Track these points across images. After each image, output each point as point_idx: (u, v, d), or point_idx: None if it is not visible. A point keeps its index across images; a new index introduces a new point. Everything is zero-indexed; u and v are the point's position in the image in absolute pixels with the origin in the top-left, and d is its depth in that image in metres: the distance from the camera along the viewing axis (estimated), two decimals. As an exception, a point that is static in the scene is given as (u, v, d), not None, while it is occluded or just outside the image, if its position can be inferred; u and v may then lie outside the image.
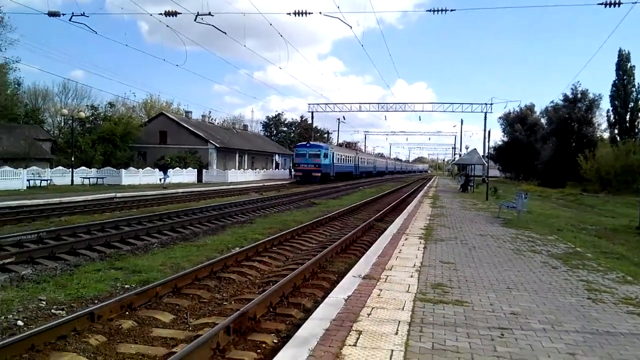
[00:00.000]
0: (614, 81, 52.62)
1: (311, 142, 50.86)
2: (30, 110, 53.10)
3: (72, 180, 32.19)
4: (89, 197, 22.42)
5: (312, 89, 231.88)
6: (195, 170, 43.75)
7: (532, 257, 9.02)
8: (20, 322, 5.75)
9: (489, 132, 41.72)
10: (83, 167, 36.02)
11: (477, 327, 4.93)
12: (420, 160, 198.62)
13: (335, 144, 66.67)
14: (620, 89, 51.70)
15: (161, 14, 20.29)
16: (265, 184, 41.37)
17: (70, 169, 32.98)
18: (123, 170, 36.64)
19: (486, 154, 40.80)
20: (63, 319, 5.43)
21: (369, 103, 60.86)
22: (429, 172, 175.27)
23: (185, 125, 51.26)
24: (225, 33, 21.23)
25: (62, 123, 55.43)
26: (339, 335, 4.56)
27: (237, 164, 55.09)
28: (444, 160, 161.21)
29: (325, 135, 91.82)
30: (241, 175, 48.22)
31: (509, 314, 5.43)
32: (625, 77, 51.66)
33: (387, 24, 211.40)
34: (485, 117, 50.68)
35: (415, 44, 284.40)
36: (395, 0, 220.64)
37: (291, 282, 7.36)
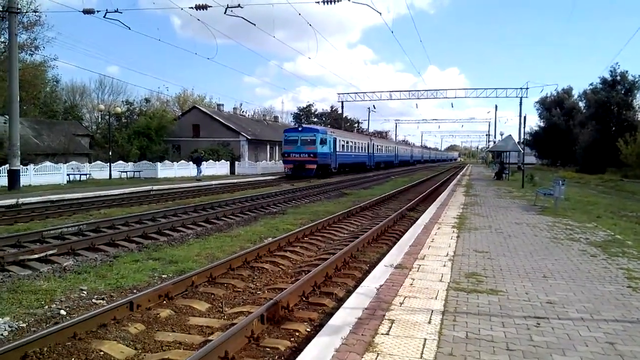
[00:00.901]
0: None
1: (304, 125, 41.48)
2: (68, 107, 54.97)
3: (110, 174, 33.15)
4: (127, 190, 23.03)
5: (342, 78, 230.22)
6: (228, 162, 44.31)
7: (569, 245, 8.79)
8: (63, 312, 5.97)
9: (525, 117, 40.74)
10: (120, 161, 37.06)
11: (513, 316, 4.86)
12: (452, 148, 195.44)
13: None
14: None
15: (192, 7, 20.58)
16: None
17: (108, 164, 33.97)
18: (158, 163, 37.49)
19: (522, 140, 39.87)
20: (103, 308, 5.63)
21: (400, 91, 58.39)
22: (459, 160, 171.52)
23: (218, 118, 51.89)
24: (255, 24, 21.36)
25: (99, 118, 57.19)
26: (371, 324, 4.57)
27: (268, 156, 55.51)
28: (477, 148, 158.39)
29: (356, 125, 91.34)
30: (272, 167, 48.58)
31: (546, 302, 5.32)
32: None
33: (417, 9, 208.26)
34: (521, 102, 49.77)
35: (447, 28, 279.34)
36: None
37: (323, 271, 7.40)
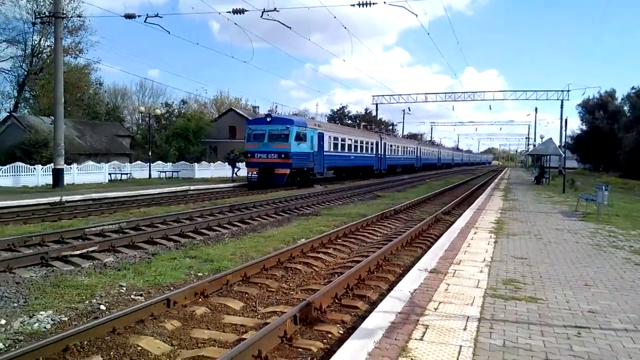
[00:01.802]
0: None
1: (274, 115, 29.81)
2: (110, 109, 56.81)
3: (150, 174, 34.04)
4: (165, 190, 23.58)
5: (377, 80, 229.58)
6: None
7: (613, 253, 8.46)
8: (102, 307, 6.15)
9: (566, 120, 39.18)
10: (159, 162, 38.07)
11: (552, 325, 4.71)
12: (490, 151, 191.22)
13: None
14: None
15: (229, 12, 20.94)
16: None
17: (148, 164, 34.92)
18: (196, 164, 38.39)
19: (563, 144, 38.66)
20: (142, 304, 5.76)
21: (436, 93, 57.58)
22: (493, 163, 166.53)
23: (253, 120, 52.38)
24: (290, 28, 21.58)
25: (140, 120, 58.82)
26: (405, 328, 4.52)
27: (302, 157, 55.69)
28: (516, 151, 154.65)
29: (390, 127, 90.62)
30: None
31: (587, 312, 5.13)
32: None
33: (455, 10, 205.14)
34: (562, 105, 48.26)
35: (485, 30, 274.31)
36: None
37: (356, 273, 7.37)
